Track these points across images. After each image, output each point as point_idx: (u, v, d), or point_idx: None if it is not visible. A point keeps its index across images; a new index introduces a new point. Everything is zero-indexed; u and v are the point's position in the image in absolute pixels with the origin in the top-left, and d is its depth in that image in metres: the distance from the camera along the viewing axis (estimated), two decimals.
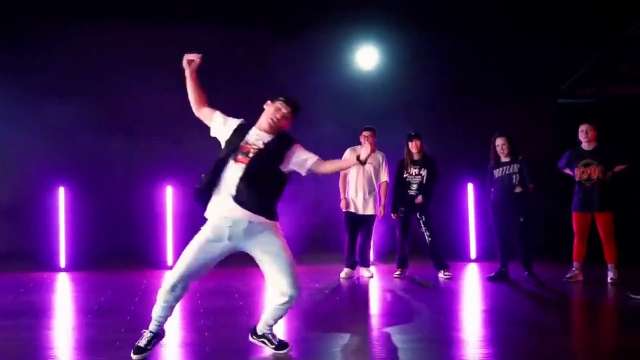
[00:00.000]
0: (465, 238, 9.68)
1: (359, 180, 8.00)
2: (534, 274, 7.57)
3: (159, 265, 8.80)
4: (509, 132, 7.80)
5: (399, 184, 8.10)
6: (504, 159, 7.74)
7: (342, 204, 8.04)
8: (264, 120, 4.55)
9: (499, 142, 7.72)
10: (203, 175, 4.40)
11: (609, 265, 7.55)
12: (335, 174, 8.08)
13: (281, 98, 4.59)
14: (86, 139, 9.59)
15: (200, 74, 9.89)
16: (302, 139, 9.37)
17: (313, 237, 9.50)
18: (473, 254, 9.63)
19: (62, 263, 8.72)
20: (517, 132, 9.82)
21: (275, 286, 4.43)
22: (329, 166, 4.58)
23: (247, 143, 4.42)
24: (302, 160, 4.51)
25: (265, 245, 4.39)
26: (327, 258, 9.07)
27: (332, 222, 8.99)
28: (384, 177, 8.09)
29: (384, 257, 9.25)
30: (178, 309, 6.18)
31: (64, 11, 9.49)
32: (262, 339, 4.69)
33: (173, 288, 4.37)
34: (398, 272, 8.08)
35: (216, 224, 4.36)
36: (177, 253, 8.66)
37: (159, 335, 4.56)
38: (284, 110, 4.55)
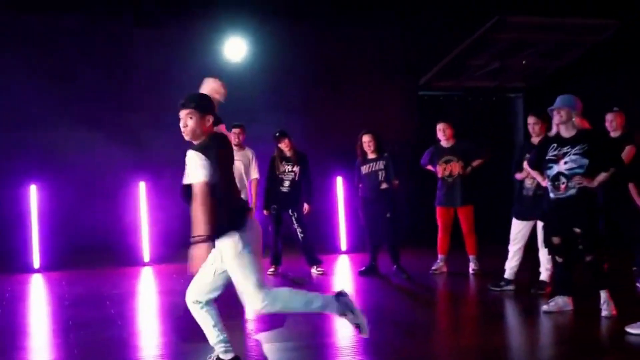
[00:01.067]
0: (335, 231, 9.87)
1: None
2: (402, 267, 7.82)
3: (25, 269, 8.44)
4: (375, 130, 7.98)
5: (271, 181, 8.10)
6: (370, 156, 7.91)
7: None
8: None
9: (366, 139, 7.87)
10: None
11: (471, 257, 7.95)
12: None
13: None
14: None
15: (63, 66, 9.48)
16: (168, 136, 9.22)
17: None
18: (344, 246, 9.83)
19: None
20: (382, 123, 10.24)
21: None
22: None
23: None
24: None
25: None
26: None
27: None
28: (254, 174, 8.10)
29: None
30: (45, 320, 5.96)
31: None
32: None
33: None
34: (272, 269, 8.10)
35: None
36: (43, 254, 8.44)
37: None
38: (181, 115, 4.12)
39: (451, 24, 10.84)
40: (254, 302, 4.11)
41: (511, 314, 6.40)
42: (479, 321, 6.14)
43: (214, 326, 4.22)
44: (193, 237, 3.84)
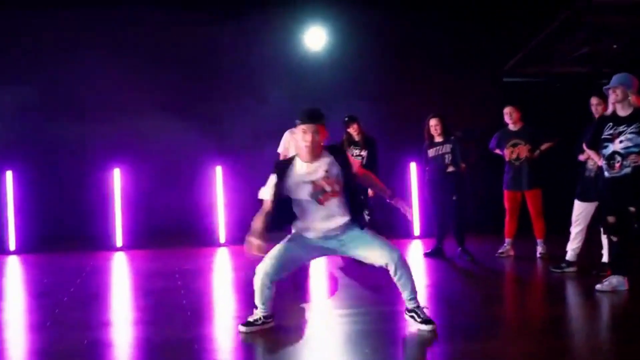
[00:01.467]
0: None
1: None
2: (467, 249, 7.86)
3: (108, 246, 9.01)
4: (443, 113, 8.04)
5: None
6: (437, 139, 7.98)
7: None
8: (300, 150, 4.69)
9: (432, 122, 7.95)
10: None
11: (538, 241, 7.87)
12: (265, 154, 8.32)
13: (297, 120, 4.66)
14: (33, 122, 9.66)
15: (148, 56, 10.01)
16: (244, 123, 9.48)
17: (249, 219, 9.67)
18: (417, 231, 9.90)
19: (12, 246, 8.91)
20: (463, 111, 10.21)
21: (380, 262, 4.68)
22: None
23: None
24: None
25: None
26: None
27: None
28: None
29: None
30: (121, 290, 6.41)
31: None
32: (411, 314, 4.78)
33: None
34: None
35: None
36: (126, 234, 9.04)
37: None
38: (307, 129, 4.58)
39: (536, 8, 10.60)
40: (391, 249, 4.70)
41: (570, 295, 6.34)
42: (533, 302, 6.13)
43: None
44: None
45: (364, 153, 8.21)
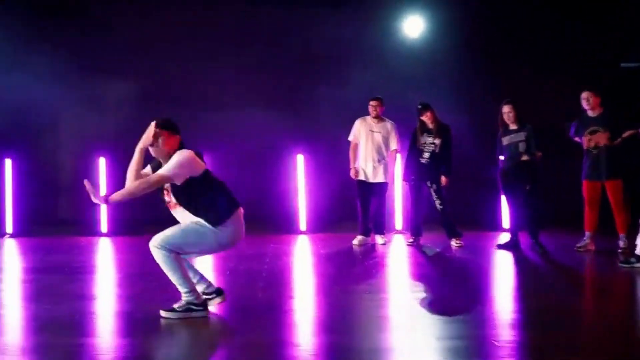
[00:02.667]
0: (497, 208, 9.54)
1: (368, 149, 8.16)
2: (540, 242, 7.48)
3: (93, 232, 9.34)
4: (515, 99, 7.69)
5: (411, 152, 8.18)
6: (511, 127, 7.65)
7: (352, 173, 8.23)
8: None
9: (506, 109, 7.63)
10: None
11: (620, 235, 7.34)
12: (347, 143, 8.31)
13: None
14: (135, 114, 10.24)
15: (246, 43, 10.19)
16: (348, 109, 9.31)
17: (330, 207, 9.76)
18: (506, 224, 9.50)
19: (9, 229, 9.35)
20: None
21: None
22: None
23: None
24: None
25: None
26: (342, 227, 9.24)
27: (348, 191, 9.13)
28: (393, 145, 8.21)
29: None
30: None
31: None
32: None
33: None
34: (411, 240, 8.19)
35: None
36: (110, 220, 9.25)
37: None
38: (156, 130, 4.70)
39: None
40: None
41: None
42: (590, 297, 5.76)
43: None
44: None
45: (437, 141, 8.04)
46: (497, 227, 9.40)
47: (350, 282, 6.16)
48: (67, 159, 10.28)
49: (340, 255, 7.66)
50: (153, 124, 4.67)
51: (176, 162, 4.55)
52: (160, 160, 4.74)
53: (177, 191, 4.66)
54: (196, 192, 4.65)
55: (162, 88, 10.17)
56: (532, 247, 7.51)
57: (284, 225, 9.49)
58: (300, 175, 9.47)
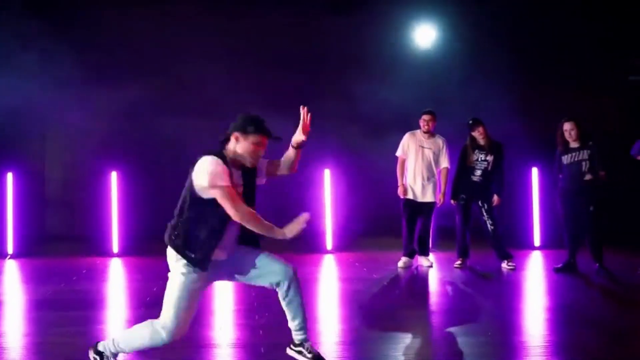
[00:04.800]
0: (529, 225, 9.25)
1: (418, 166, 7.66)
2: (605, 266, 7.15)
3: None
4: (577, 117, 7.34)
5: (461, 170, 7.74)
6: (572, 145, 7.30)
7: (400, 191, 7.71)
8: (244, 157, 3.91)
9: (567, 127, 7.26)
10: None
11: None
12: (394, 160, 7.80)
13: (252, 129, 3.89)
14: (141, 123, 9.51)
15: (252, 53, 9.68)
16: (358, 119, 9.09)
17: (373, 223, 9.30)
18: (537, 242, 9.20)
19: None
20: (583, 110, 9.40)
21: (271, 279, 3.99)
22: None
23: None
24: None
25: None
26: (387, 244, 8.83)
27: (392, 207, 8.65)
28: (445, 162, 7.71)
29: (442, 244, 8.87)
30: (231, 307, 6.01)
31: None
32: (298, 349, 4.12)
33: None
34: (459, 262, 7.75)
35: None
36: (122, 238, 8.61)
37: None
38: (264, 141, 3.93)
39: None
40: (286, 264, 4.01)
41: None
42: None
43: None
44: None
45: (489, 158, 7.63)
46: (529, 245, 9.10)
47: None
48: (76, 173, 9.47)
49: (397, 281, 7.14)
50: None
51: None
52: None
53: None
54: None
55: (175, 97, 9.50)
56: (597, 272, 7.17)
57: (310, 244, 8.90)
58: (326, 191, 8.89)
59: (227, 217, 3.77)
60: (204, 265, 3.80)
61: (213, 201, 3.74)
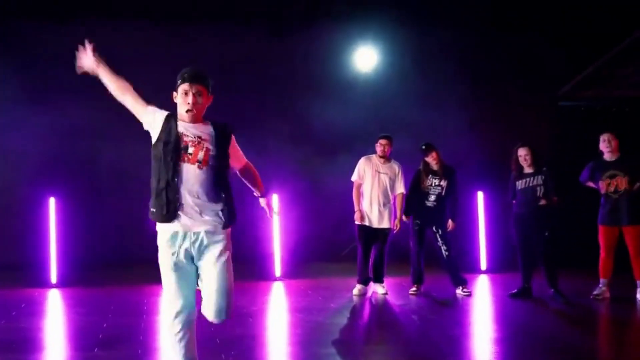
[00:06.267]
0: (475, 249, 9.30)
1: (374, 192, 7.53)
2: (560, 290, 7.21)
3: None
4: (532, 142, 7.43)
5: (414, 195, 7.67)
6: (527, 170, 7.36)
7: (357, 217, 7.56)
8: (182, 108, 3.90)
9: (522, 152, 7.33)
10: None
11: (638, 282, 7.19)
12: (342, 182, 7.69)
13: (177, 83, 3.91)
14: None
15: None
16: (299, 145, 9.04)
17: (321, 248, 9.13)
18: (483, 265, 9.25)
19: None
20: (516, 133, 9.55)
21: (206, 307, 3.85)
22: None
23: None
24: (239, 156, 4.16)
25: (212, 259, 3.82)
26: (336, 270, 8.67)
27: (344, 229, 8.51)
28: (400, 188, 7.62)
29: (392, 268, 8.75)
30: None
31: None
32: None
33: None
34: (414, 289, 7.65)
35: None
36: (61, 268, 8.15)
37: None
38: (192, 90, 3.87)
39: (596, 31, 10.09)
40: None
41: None
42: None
43: None
44: None
45: (443, 183, 7.60)
46: (476, 269, 9.13)
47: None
48: (11, 198, 8.88)
49: (357, 312, 6.95)
50: None
51: None
52: None
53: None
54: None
55: (117, 121, 9.00)
56: (552, 297, 7.21)
57: (257, 270, 8.63)
58: (275, 218, 8.64)
59: (171, 160, 3.75)
60: (165, 218, 3.73)
61: (156, 144, 3.83)
